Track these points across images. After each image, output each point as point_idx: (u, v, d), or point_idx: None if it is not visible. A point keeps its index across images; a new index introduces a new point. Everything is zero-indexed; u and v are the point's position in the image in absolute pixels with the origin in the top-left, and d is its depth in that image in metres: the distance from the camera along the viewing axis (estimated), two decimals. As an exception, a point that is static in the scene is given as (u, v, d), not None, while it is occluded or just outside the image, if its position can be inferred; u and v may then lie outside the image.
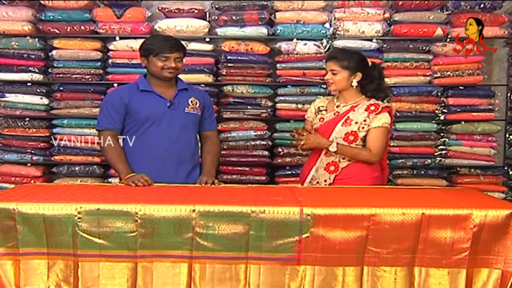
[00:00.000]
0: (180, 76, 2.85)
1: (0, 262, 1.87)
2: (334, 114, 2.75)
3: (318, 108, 2.83)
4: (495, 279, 1.86)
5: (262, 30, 3.93)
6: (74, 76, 3.95)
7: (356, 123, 2.68)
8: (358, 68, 2.72)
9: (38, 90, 3.95)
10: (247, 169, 3.99)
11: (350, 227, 1.86)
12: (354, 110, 2.71)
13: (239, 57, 3.94)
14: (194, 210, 1.85)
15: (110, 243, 1.86)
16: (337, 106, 2.77)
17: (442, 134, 4.03)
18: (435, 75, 3.94)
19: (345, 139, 2.67)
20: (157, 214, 1.85)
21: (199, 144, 2.92)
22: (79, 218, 1.85)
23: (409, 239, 1.85)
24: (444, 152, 4.00)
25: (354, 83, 2.72)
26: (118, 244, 1.86)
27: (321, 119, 2.77)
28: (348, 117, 2.69)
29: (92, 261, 1.87)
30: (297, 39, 3.91)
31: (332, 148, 2.62)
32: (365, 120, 2.67)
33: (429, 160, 4.00)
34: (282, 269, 1.87)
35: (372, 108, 2.70)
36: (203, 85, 3.87)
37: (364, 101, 2.75)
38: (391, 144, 3.86)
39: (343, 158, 2.67)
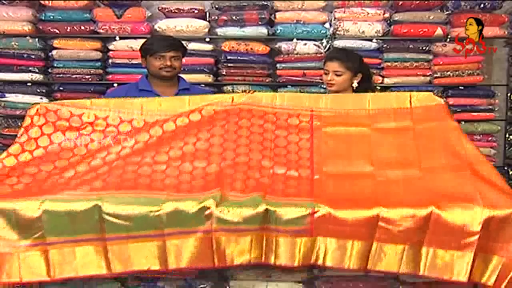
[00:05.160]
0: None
1: (29, 253, 1.88)
2: None
3: None
4: (502, 265, 1.84)
5: (262, 30, 3.93)
6: (74, 76, 3.95)
7: None
8: (359, 69, 2.73)
9: (38, 90, 3.95)
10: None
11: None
12: None
13: (239, 57, 3.94)
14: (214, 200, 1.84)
15: (136, 224, 1.84)
16: None
17: (442, 134, 4.02)
18: (435, 75, 3.94)
19: None
20: (181, 206, 1.85)
21: None
22: (103, 205, 1.85)
23: (420, 219, 1.85)
24: (444, 152, 3.99)
25: (355, 84, 2.72)
26: (144, 226, 1.84)
27: None
28: None
29: (120, 244, 1.87)
30: (297, 39, 3.92)
31: None
32: None
33: (429, 160, 4.00)
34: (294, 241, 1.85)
35: None
36: (203, 85, 3.86)
37: None
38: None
39: None
